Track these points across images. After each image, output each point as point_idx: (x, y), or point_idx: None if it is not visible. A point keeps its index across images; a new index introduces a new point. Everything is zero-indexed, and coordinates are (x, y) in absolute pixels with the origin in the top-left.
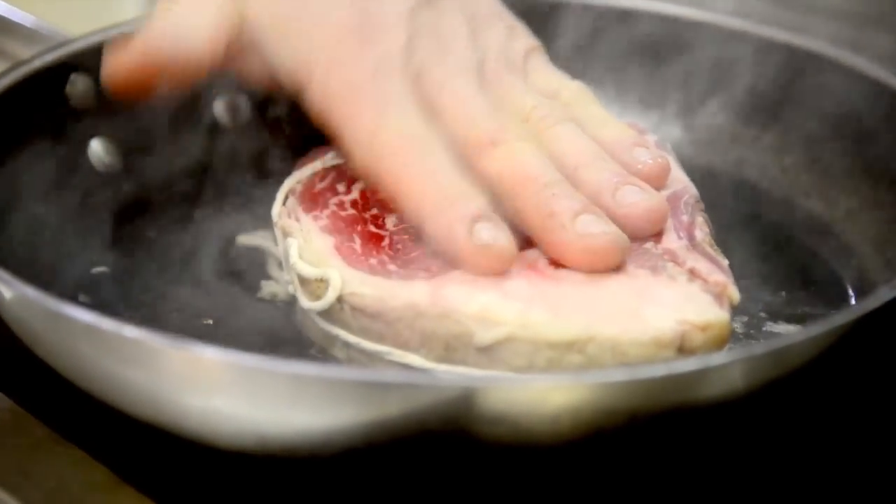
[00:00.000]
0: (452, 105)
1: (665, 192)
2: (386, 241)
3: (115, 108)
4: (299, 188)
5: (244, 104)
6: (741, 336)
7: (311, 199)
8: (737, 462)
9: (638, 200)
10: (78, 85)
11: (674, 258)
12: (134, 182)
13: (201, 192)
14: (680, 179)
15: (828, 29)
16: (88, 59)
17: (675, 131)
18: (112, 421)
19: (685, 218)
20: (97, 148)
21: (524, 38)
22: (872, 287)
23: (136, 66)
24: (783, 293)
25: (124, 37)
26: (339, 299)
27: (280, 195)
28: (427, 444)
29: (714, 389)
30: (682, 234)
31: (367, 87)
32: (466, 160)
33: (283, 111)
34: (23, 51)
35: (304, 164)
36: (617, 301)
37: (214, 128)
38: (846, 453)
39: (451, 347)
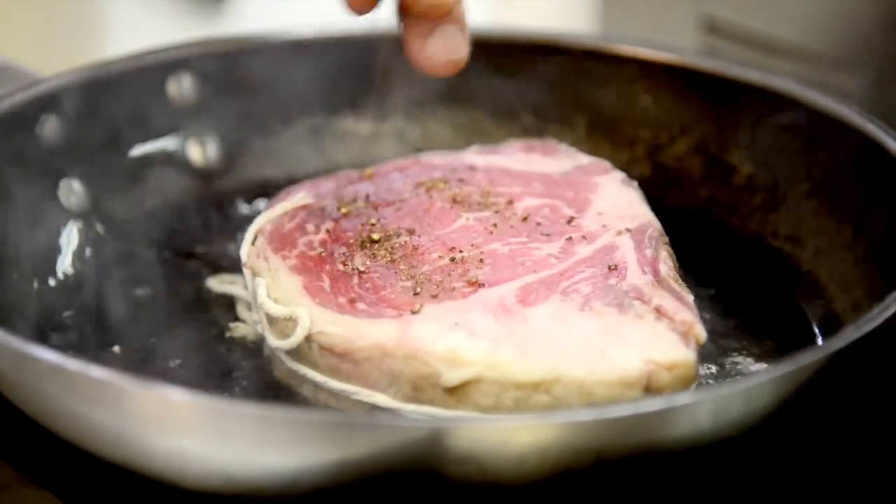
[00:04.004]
0: None
1: (630, 226)
2: (354, 280)
3: (86, 148)
4: (268, 228)
5: (214, 144)
6: (708, 376)
7: (280, 238)
8: None
9: None
10: (49, 125)
11: (640, 295)
12: (103, 222)
13: (170, 233)
14: (644, 214)
15: (796, 70)
16: (59, 100)
17: (644, 170)
18: (79, 462)
19: (649, 252)
20: (68, 188)
21: None
22: (839, 327)
23: None
24: (750, 332)
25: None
26: (308, 338)
27: (249, 235)
28: (395, 484)
29: (681, 429)
30: (646, 269)
31: None
32: None
33: (254, 151)
34: None
35: (273, 205)
36: (584, 340)
37: (184, 168)
38: (818, 496)
39: (419, 387)
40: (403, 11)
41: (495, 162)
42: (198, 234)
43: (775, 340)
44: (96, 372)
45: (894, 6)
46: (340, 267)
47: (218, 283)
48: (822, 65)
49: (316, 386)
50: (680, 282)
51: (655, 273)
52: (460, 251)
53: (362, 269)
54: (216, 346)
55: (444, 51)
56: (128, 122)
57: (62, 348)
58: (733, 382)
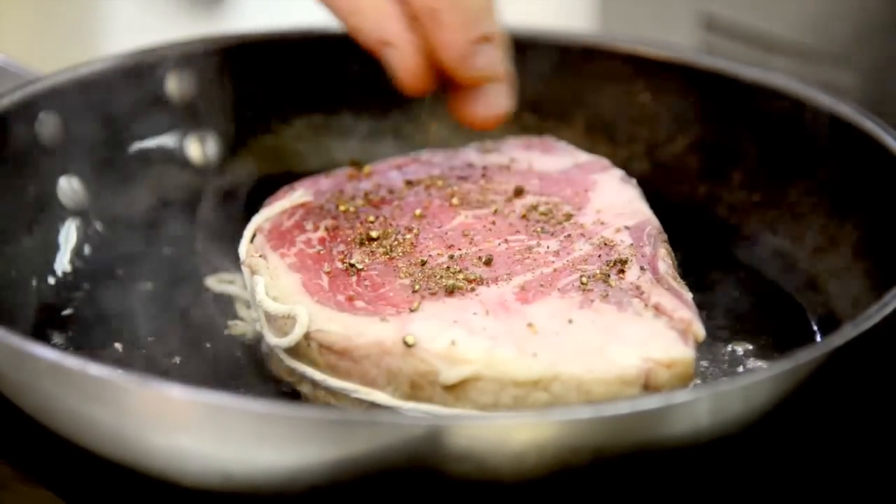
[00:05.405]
0: None
1: (628, 224)
2: (353, 278)
3: (85, 146)
4: (267, 226)
5: (212, 142)
6: (707, 373)
7: (279, 236)
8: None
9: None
10: (47, 123)
11: (639, 293)
12: (102, 220)
13: (169, 231)
14: (642, 212)
15: (795, 67)
16: (57, 97)
17: (644, 168)
18: (78, 460)
19: (648, 250)
20: (66, 185)
21: None
22: (838, 324)
23: None
24: (749, 329)
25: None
26: (306, 336)
27: (247, 233)
28: (393, 481)
29: (679, 427)
30: (645, 267)
31: None
32: None
33: (252, 149)
34: None
35: (271, 202)
36: (582, 338)
37: (183, 165)
38: (817, 494)
39: (418, 385)
40: (450, 82)
41: (494, 159)
42: (196, 231)
43: (774, 338)
44: (95, 370)
45: (892, 3)
46: (339, 265)
47: (217, 282)
48: (821, 62)
49: (315, 384)
50: (678, 279)
51: (654, 271)
52: (459, 249)
53: (361, 266)
54: (215, 344)
55: (491, 110)
56: (126, 120)
57: (61, 346)
58: (732, 380)
